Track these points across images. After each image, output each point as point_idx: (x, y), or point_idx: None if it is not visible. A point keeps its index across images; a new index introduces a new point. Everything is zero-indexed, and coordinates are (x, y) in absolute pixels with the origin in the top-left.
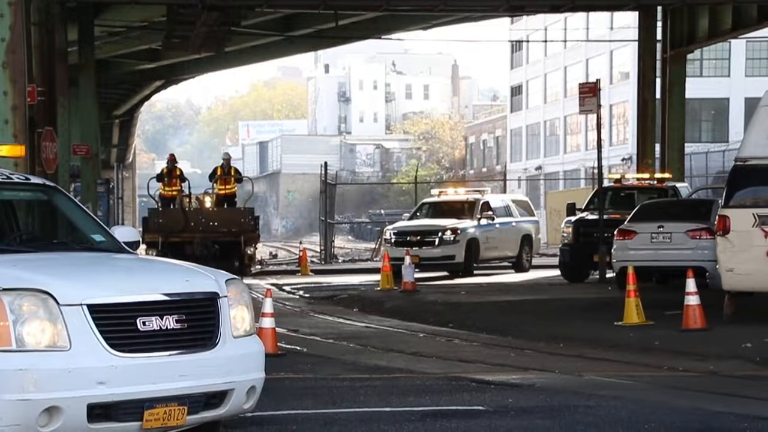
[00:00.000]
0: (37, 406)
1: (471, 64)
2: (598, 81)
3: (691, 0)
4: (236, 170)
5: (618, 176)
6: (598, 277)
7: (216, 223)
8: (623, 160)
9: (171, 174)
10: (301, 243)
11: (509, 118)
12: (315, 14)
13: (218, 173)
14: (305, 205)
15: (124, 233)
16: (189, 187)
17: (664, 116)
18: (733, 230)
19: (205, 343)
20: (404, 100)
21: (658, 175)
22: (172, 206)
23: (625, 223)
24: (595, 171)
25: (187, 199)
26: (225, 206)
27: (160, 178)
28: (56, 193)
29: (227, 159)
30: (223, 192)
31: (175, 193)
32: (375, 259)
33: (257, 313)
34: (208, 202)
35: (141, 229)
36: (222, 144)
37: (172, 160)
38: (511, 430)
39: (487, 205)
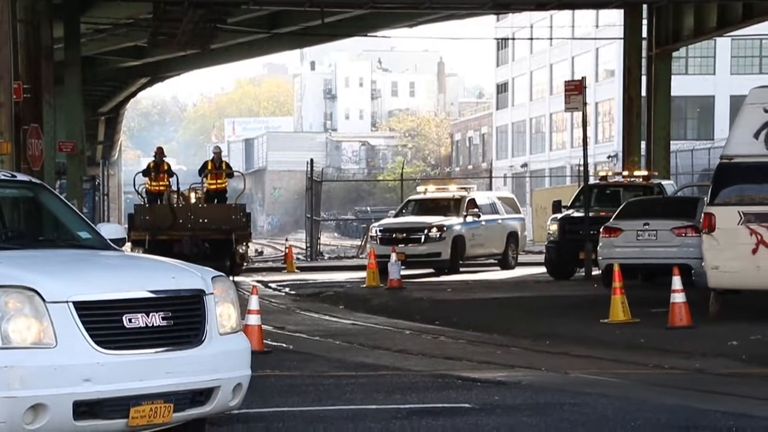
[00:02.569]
0: (23, 403)
1: (457, 61)
2: (583, 78)
3: None
4: (227, 164)
5: (603, 173)
6: (583, 274)
7: (206, 220)
8: (609, 157)
9: (158, 168)
10: (287, 240)
11: (495, 115)
12: (301, 11)
13: (208, 167)
14: (291, 202)
15: (109, 230)
16: (177, 183)
17: (649, 114)
18: (719, 228)
19: (191, 340)
20: (390, 97)
21: (637, 173)
22: (159, 202)
23: (611, 220)
24: (581, 168)
25: (176, 195)
26: (215, 202)
27: (146, 172)
28: (42, 190)
29: (218, 153)
30: (213, 187)
31: (162, 188)
32: (361, 256)
33: (243, 310)
34: (192, 198)
35: (126, 226)
36: (208, 141)
37: (159, 153)
38: (497, 427)
39: (473, 203)
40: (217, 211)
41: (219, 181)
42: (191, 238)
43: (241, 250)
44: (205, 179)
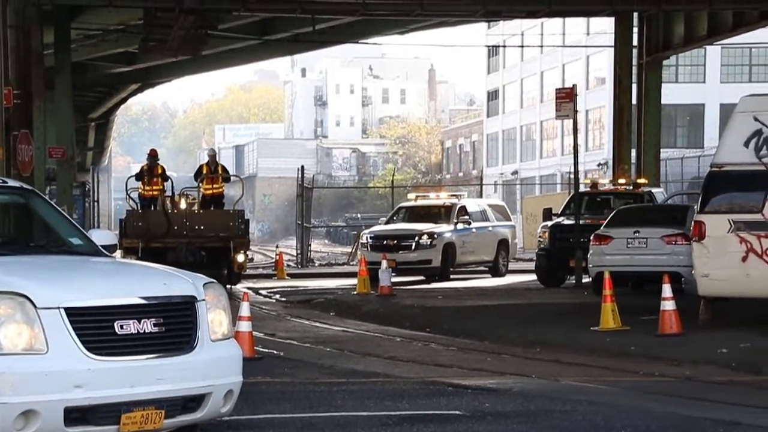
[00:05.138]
0: (14, 409)
1: (448, 68)
2: (574, 86)
3: (667, 6)
4: (224, 168)
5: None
6: (574, 282)
7: (202, 227)
8: (599, 165)
9: (152, 172)
10: (277, 247)
11: (486, 122)
12: (292, 18)
13: (204, 172)
14: (281, 209)
15: (101, 236)
16: (172, 187)
17: (640, 122)
18: (709, 236)
19: (182, 346)
20: (381, 104)
21: (621, 181)
22: (153, 208)
23: (602, 228)
24: (572, 176)
25: (170, 200)
26: (212, 208)
27: (139, 176)
28: (33, 196)
29: (213, 155)
30: (209, 192)
31: (156, 193)
32: (351, 263)
33: (234, 316)
34: (183, 204)
35: (117, 232)
36: (198, 148)
37: (153, 156)
38: None
39: (463, 210)
40: (214, 218)
41: (215, 185)
42: (187, 246)
43: (239, 259)
44: (200, 184)
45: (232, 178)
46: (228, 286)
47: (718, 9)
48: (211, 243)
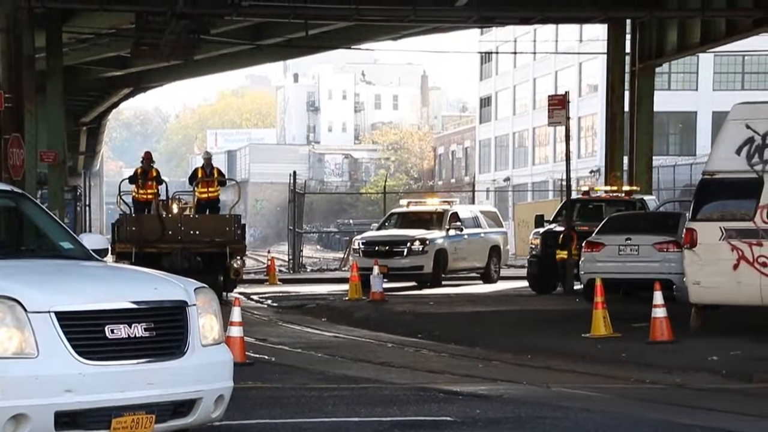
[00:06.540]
0: (4, 413)
1: (440, 74)
2: (566, 93)
3: (660, 13)
4: (219, 171)
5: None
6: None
7: (198, 232)
8: (591, 172)
9: (146, 175)
10: (269, 252)
11: (478, 129)
12: (285, 23)
13: (199, 175)
14: (273, 215)
15: (92, 241)
16: (167, 190)
17: (632, 129)
18: (700, 243)
19: (173, 351)
20: (373, 110)
21: (625, 188)
22: (147, 212)
23: (593, 235)
24: (564, 183)
25: (163, 205)
26: (207, 212)
27: (133, 179)
28: (24, 200)
29: (208, 158)
30: (204, 196)
31: (150, 196)
32: (343, 268)
33: (225, 321)
34: (175, 209)
35: (110, 237)
36: (190, 153)
37: (147, 158)
38: None
39: (455, 216)
40: (210, 223)
41: (211, 189)
42: (182, 252)
43: (235, 265)
44: (196, 188)
45: (227, 182)
46: (224, 293)
47: (711, 16)
48: (207, 249)
